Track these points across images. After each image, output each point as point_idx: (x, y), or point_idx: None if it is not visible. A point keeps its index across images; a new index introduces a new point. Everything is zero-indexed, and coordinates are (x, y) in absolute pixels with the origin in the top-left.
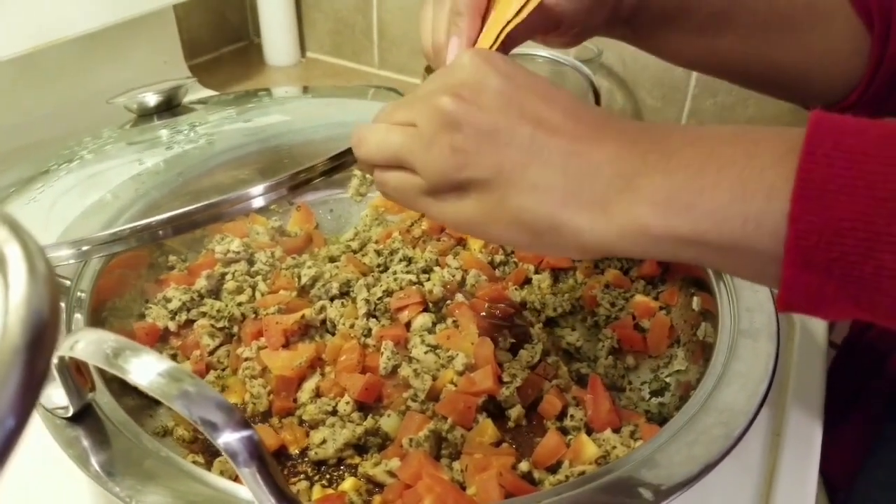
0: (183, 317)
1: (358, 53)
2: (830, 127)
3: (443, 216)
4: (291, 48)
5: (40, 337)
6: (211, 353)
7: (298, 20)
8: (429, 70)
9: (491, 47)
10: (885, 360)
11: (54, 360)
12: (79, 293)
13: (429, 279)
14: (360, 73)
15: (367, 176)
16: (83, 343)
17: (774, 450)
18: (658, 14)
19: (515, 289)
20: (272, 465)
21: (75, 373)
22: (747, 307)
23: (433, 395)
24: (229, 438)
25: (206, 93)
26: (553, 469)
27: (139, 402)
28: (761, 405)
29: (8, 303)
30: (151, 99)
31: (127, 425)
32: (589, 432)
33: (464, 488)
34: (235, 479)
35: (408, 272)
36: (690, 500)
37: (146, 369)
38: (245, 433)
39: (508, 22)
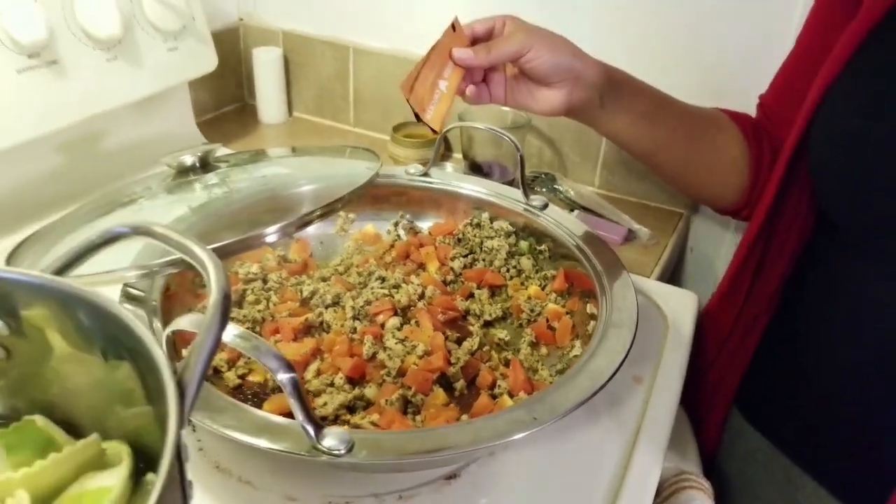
0: None
1: (336, 114)
2: None
3: None
4: (281, 109)
5: (227, 294)
6: None
7: (287, 86)
8: (396, 129)
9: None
10: (737, 351)
11: (168, 333)
12: (152, 302)
13: (397, 292)
14: (338, 130)
15: (349, 215)
16: (185, 321)
17: (642, 414)
18: (616, 88)
19: (462, 300)
20: (304, 395)
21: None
22: (618, 308)
23: (402, 372)
24: (283, 377)
25: (223, 150)
26: None
27: None
28: (618, 369)
29: (212, 287)
30: (189, 159)
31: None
32: (511, 396)
33: None
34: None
35: (382, 288)
36: (579, 444)
37: (229, 332)
38: (291, 374)
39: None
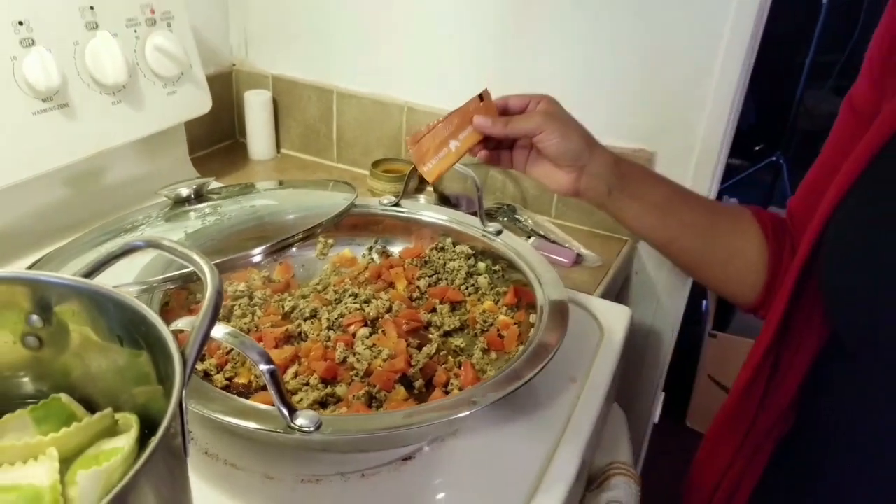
0: None
1: (321, 151)
2: None
3: None
4: (269, 146)
5: (219, 290)
6: (227, 353)
7: (276, 125)
8: (375, 165)
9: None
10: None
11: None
12: None
13: (368, 306)
14: (322, 166)
15: (329, 241)
16: (182, 322)
17: (573, 408)
18: (625, 178)
19: (425, 313)
20: (282, 384)
21: None
22: (553, 316)
23: (368, 373)
24: (264, 368)
25: (215, 184)
26: None
27: None
28: (546, 364)
29: (208, 285)
30: (184, 191)
31: (197, 381)
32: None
33: None
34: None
35: (354, 303)
36: (517, 432)
37: (219, 330)
38: (271, 366)
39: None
